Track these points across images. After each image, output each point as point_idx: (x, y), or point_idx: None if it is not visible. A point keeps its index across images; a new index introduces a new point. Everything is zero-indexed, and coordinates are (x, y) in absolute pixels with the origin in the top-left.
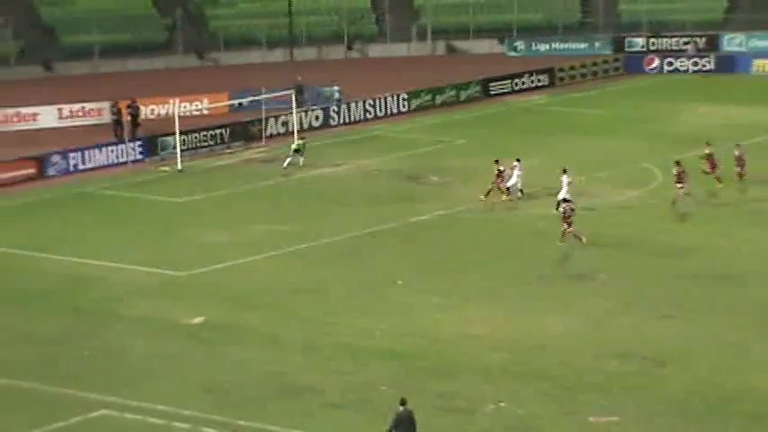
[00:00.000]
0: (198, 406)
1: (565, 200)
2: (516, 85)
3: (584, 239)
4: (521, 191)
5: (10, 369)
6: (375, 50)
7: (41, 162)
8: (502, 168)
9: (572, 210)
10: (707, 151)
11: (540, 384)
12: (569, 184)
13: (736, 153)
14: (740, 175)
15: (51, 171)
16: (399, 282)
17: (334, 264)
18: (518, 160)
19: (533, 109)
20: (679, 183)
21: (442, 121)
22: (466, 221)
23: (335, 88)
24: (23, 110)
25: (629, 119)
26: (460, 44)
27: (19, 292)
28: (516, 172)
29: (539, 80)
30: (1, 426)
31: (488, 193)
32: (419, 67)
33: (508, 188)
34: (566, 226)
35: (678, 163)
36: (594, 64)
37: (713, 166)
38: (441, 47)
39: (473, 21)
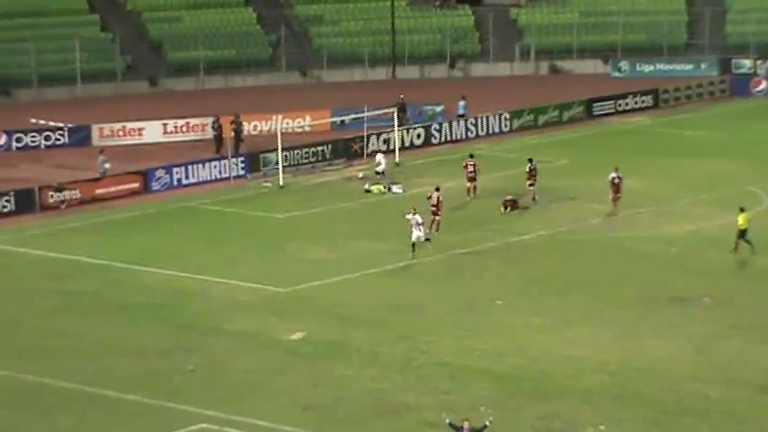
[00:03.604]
0: (297, 422)
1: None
2: (620, 105)
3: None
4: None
5: (115, 382)
6: (478, 70)
7: (146, 176)
8: (533, 167)
9: None
10: None
11: (641, 408)
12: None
13: None
14: None
15: (155, 185)
16: (499, 302)
17: (434, 282)
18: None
19: (637, 130)
20: None
21: (544, 142)
22: (568, 242)
23: (461, 103)
24: (129, 124)
25: (734, 141)
26: (564, 64)
27: (123, 306)
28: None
29: (643, 101)
30: None
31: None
32: (522, 87)
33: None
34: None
35: None
36: (699, 85)
37: None
38: (544, 67)
39: (577, 41)
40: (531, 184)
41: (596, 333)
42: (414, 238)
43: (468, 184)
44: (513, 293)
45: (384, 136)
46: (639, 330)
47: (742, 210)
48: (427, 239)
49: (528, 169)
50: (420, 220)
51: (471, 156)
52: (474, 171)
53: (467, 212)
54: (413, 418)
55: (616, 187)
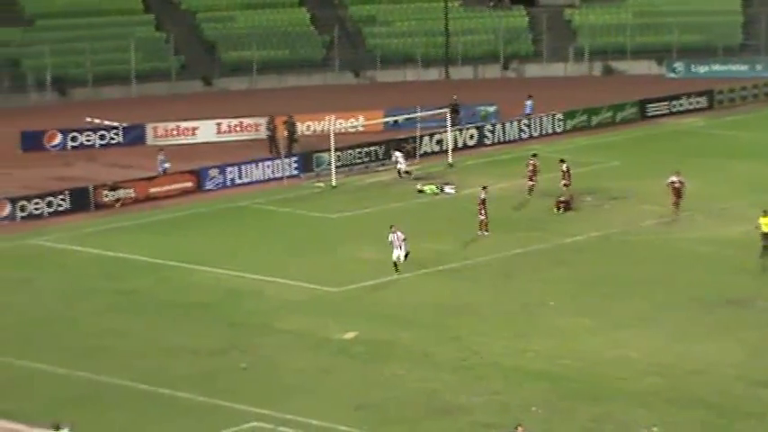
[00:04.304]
0: (349, 422)
1: None
2: (674, 107)
3: None
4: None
5: (169, 379)
6: (531, 70)
7: (199, 176)
8: (565, 168)
9: None
10: None
11: (695, 411)
12: None
13: None
14: None
15: (208, 185)
16: (552, 303)
17: (486, 283)
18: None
19: (691, 131)
20: None
21: (598, 142)
22: (621, 243)
23: (528, 103)
24: (183, 124)
25: None
26: (618, 65)
27: (177, 305)
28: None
29: (697, 102)
30: None
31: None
32: (575, 88)
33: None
34: None
35: None
36: (755, 86)
37: None
38: (597, 67)
39: (631, 41)
40: (565, 185)
41: (649, 335)
42: (394, 257)
43: (528, 183)
44: (566, 295)
45: (437, 136)
46: (693, 332)
47: (766, 213)
48: (406, 255)
49: (564, 169)
50: (401, 237)
51: (534, 155)
52: (533, 171)
53: (520, 213)
54: (465, 418)
55: (677, 191)
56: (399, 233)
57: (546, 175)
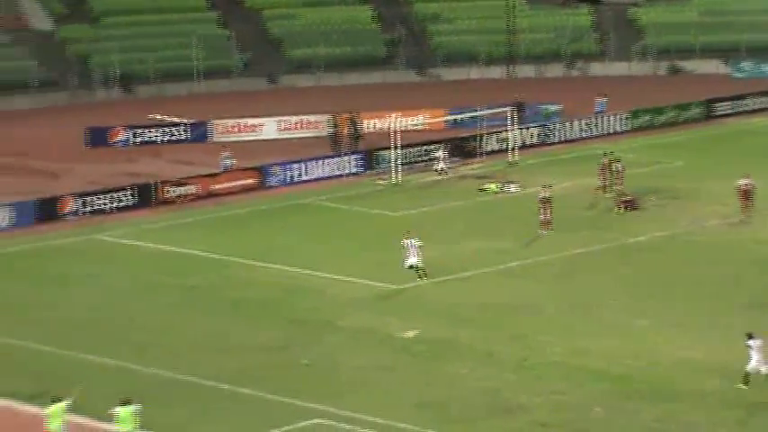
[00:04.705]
0: (411, 420)
1: None
2: (740, 106)
3: None
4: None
5: (231, 376)
6: (595, 69)
7: (262, 173)
8: (606, 162)
9: None
10: None
11: (760, 414)
12: None
13: None
14: None
15: (271, 182)
16: (614, 302)
17: (547, 282)
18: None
19: (757, 131)
20: None
21: (662, 142)
22: (685, 243)
23: (600, 100)
24: (246, 121)
25: None
26: (684, 64)
27: (239, 301)
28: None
29: (763, 102)
30: (221, 430)
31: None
32: (640, 87)
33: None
34: None
35: None
36: None
37: None
38: (663, 67)
39: (697, 40)
40: (617, 185)
41: (712, 336)
42: (407, 263)
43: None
44: (629, 294)
45: (500, 135)
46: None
47: None
48: (420, 269)
49: (615, 168)
50: (417, 244)
51: (605, 154)
52: (607, 170)
53: (582, 212)
54: (525, 417)
55: (746, 194)
56: (414, 240)
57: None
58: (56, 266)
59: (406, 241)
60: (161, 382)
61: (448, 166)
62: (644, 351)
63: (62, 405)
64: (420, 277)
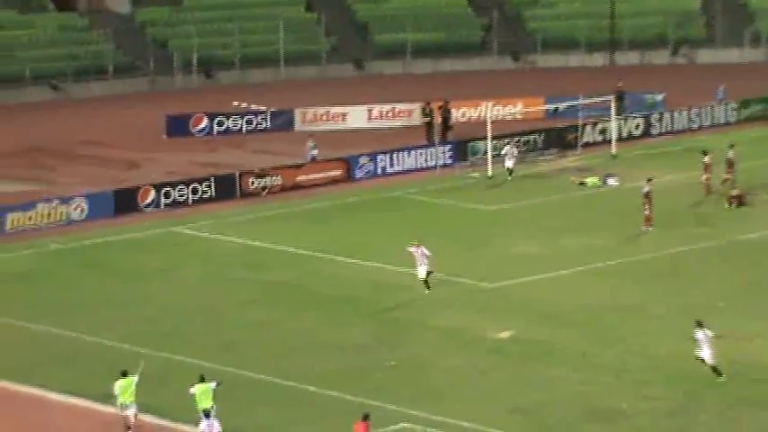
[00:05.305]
0: (503, 425)
1: None
2: None
3: None
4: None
5: (314, 376)
6: (703, 56)
7: (349, 164)
8: (708, 161)
9: None
10: None
11: None
12: None
13: None
14: None
15: (358, 173)
16: (721, 304)
17: (649, 282)
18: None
19: None
20: None
21: None
22: None
23: (721, 88)
24: (333, 109)
25: None
26: None
27: (324, 298)
28: None
29: None
30: None
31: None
32: (751, 75)
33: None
34: None
35: None
36: None
37: None
38: None
39: None
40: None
41: None
42: (420, 275)
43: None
44: (736, 296)
45: (600, 126)
46: None
47: None
48: (429, 273)
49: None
50: (426, 253)
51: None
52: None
53: (688, 208)
54: (626, 425)
55: None
56: (424, 249)
57: (715, 167)
58: (133, 260)
59: (414, 250)
60: (243, 381)
61: (516, 164)
62: (753, 356)
63: (132, 379)
64: (428, 288)
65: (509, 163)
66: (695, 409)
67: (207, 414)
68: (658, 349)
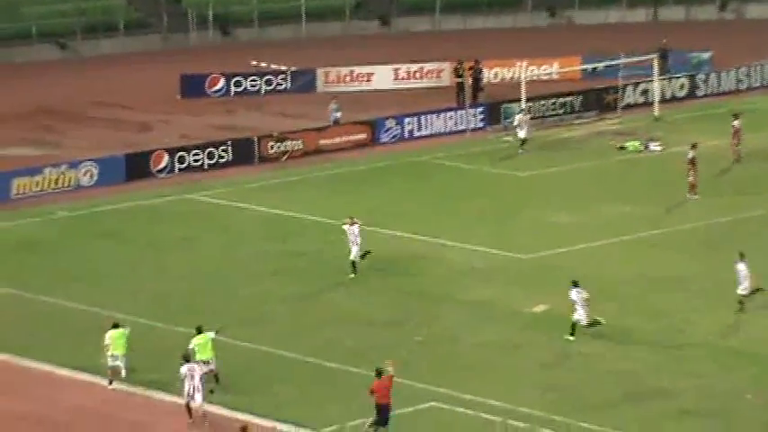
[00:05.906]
0: (537, 405)
1: None
2: None
3: None
4: None
5: (338, 353)
6: (753, 10)
7: (374, 127)
8: (738, 125)
9: None
10: None
11: None
12: None
13: None
14: None
15: (384, 137)
16: None
17: (694, 253)
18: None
19: None
20: None
21: None
22: None
23: None
24: (357, 69)
25: None
26: None
27: (347, 269)
28: None
29: None
30: (325, 412)
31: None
32: None
33: None
34: None
35: None
36: None
37: None
38: None
39: None
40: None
41: None
42: (352, 255)
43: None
44: None
45: (642, 86)
46: None
47: None
48: (365, 254)
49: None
50: (357, 232)
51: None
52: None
53: (732, 175)
54: (668, 404)
55: None
56: (357, 227)
57: (761, 132)
58: (145, 229)
59: (347, 228)
60: (262, 357)
61: (530, 135)
62: None
63: (123, 331)
64: (354, 272)
65: (522, 133)
66: (740, 389)
67: (187, 359)
68: (702, 324)
